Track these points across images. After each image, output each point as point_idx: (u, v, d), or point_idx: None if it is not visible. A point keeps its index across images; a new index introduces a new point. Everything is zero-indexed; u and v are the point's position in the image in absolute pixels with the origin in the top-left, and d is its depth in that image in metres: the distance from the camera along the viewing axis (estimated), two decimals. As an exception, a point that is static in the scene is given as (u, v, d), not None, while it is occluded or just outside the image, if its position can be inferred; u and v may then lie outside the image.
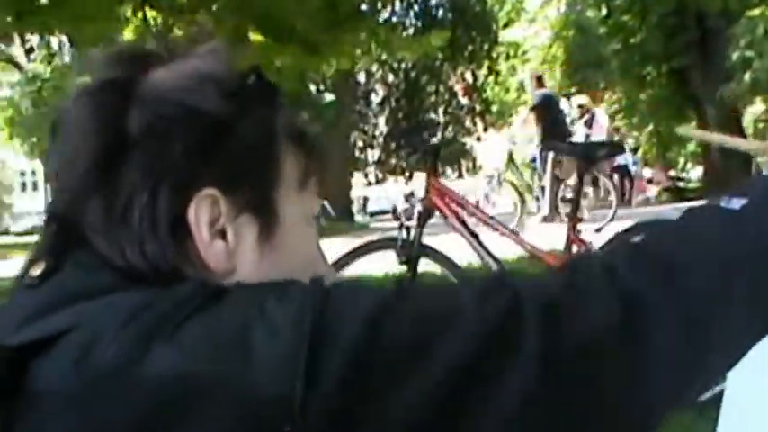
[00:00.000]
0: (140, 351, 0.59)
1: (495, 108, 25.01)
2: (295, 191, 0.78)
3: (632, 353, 0.62)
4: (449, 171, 23.74)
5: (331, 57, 7.92)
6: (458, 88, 10.43)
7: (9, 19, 7.18)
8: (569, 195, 9.15)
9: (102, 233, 0.71)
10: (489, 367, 0.59)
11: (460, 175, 23.67)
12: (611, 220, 8.41)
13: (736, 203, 0.70)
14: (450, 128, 23.88)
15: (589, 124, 11.08)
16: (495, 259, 3.80)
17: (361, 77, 25.79)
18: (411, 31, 18.13)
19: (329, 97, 21.99)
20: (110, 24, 7.86)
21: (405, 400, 0.58)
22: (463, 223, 3.86)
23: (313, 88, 24.16)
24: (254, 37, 7.77)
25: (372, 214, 23.70)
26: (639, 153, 18.56)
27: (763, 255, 0.67)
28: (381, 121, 26.65)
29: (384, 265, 4.08)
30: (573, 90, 18.08)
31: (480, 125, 20.27)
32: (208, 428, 0.57)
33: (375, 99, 26.99)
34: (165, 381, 0.58)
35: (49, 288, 0.69)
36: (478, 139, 10.84)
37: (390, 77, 26.23)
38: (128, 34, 8.63)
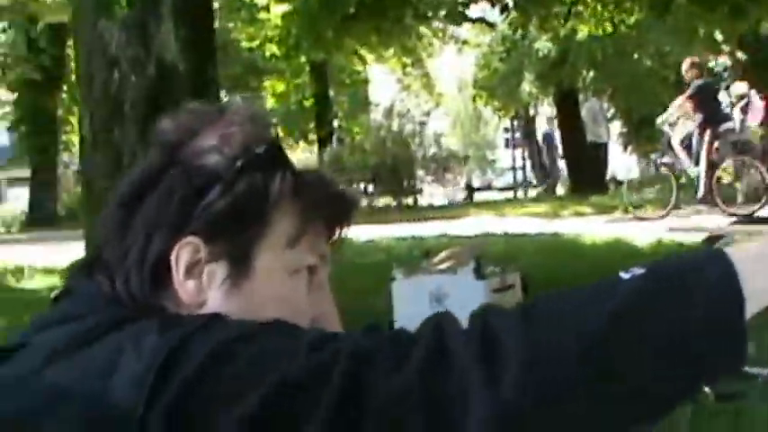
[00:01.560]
0: (45, 363, 0.78)
1: None
2: (283, 247, 0.90)
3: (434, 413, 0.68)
4: None
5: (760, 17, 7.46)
6: None
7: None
8: (725, 179, 10.34)
9: (105, 268, 0.87)
10: (298, 405, 0.70)
11: None
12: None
13: (630, 273, 0.72)
14: None
15: (745, 110, 10.98)
16: None
17: None
18: None
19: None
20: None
21: (232, 416, 0.70)
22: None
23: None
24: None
25: None
26: None
27: (613, 330, 0.69)
28: None
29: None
30: None
31: None
32: (63, 429, 0.73)
33: None
34: (46, 390, 0.75)
35: (57, 307, 0.89)
36: None
37: None
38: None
